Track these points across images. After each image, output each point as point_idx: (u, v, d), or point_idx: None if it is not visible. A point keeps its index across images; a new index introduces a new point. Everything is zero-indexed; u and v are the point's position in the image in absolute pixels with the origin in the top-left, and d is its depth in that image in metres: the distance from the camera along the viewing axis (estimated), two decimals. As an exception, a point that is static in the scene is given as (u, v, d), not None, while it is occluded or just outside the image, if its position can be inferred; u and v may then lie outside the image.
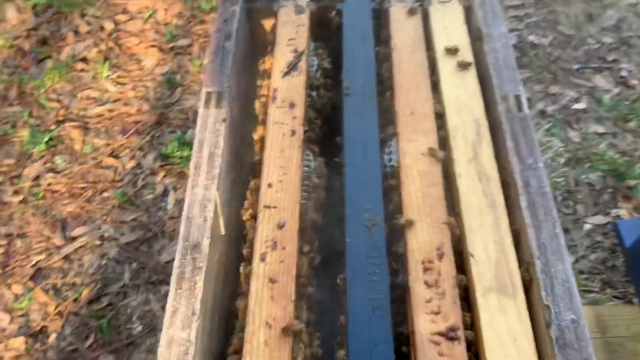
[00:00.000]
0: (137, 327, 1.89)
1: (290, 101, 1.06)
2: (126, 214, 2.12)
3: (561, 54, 2.51)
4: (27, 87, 2.46)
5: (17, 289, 1.96)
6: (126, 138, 2.31)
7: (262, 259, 0.88)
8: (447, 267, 0.87)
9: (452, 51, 1.12)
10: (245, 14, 1.21)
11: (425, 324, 0.81)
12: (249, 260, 0.90)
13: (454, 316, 0.82)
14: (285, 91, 1.08)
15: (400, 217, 0.92)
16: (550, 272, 0.84)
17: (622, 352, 1.57)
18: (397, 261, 0.90)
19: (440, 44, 1.14)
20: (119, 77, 2.50)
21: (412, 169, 0.98)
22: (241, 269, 0.90)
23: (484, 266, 0.86)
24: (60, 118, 2.37)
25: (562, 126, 2.27)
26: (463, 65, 1.10)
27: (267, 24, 1.23)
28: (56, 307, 1.92)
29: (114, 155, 2.27)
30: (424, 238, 0.90)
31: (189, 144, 2.23)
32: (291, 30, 1.17)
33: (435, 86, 1.10)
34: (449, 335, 0.80)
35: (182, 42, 2.61)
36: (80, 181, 2.20)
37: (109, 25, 2.66)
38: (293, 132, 1.02)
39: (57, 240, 2.07)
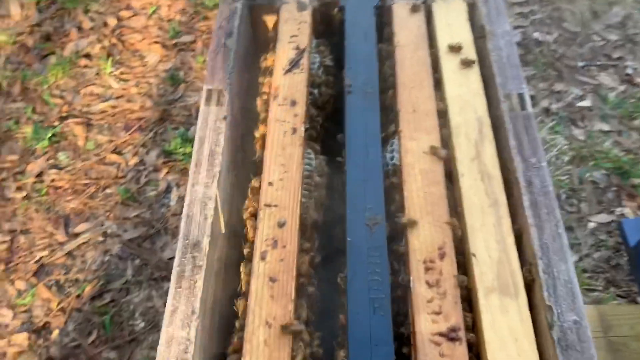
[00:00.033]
0: (140, 324, 1.89)
1: (292, 99, 1.06)
2: (129, 210, 2.12)
3: (566, 51, 2.49)
4: (31, 83, 2.47)
5: (20, 285, 1.96)
6: (129, 134, 2.31)
7: (263, 258, 0.87)
8: (448, 267, 0.86)
9: (455, 49, 1.11)
10: (247, 10, 1.21)
11: (426, 324, 0.81)
12: (249, 259, 0.89)
13: (455, 316, 0.81)
14: (287, 89, 1.07)
15: (401, 216, 0.92)
16: (552, 273, 0.83)
17: (626, 351, 1.56)
18: (398, 260, 0.90)
19: (443, 41, 1.13)
20: (122, 73, 2.50)
21: (414, 168, 0.97)
22: (241, 268, 0.90)
23: (485, 266, 0.86)
24: (64, 114, 2.37)
25: (567, 124, 2.26)
26: (466, 63, 1.09)
27: (269, 20, 1.23)
28: (59, 304, 1.92)
29: (117, 151, 2.27)
30: (426, 237, 0.89)
31: (192, 141, 2.22)
32: (293, 27, 1.17)
33: (438, 84, 1.09)
34: (450, 335, 0.80)
35: (186, 38, 2.61)
36: (83, 177, 2.21)
37: (112, 22, 2.66)
38: (294, 130, 1.02)
39: (60, 236, 2.07)
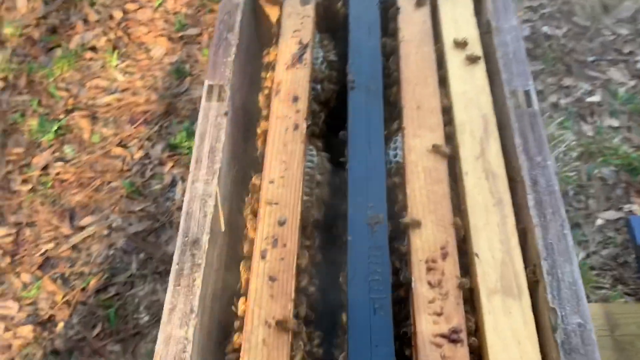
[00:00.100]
0: (144, 317, 1.89)
1: (294, 94, 1.04)
2: (134, 204, 2.12)
3: (576, 45, 2.45)
4: (37, 75, 2.46)
5: (26, 277, 1.97)
6: (134, 128, 2.31)
7: (262, 257, 0.86)
8: (451, 267, 0.85)
9: (460, 44, 1.09)
10: (249, 4, 1.19)
11: (427, 325, 0.80)
12: (249, 258, 0.88)
13: (456, 318, 0.80)
14: (289, 84, 1.06)
15: (404, 215, 0.90)
16: (557, 274, 0.82)
17: (632, 350, 1.54)
18: (399, 260, 0.89)
19: (448, 36, 1.11)
20: (127, 66, 2.49)
21: (418, 166, 0.96)
22: (241, 266, 0.89)
23: (488, 266, 0.84)
24: (69, 107, 2.37)
25: (575, 119, 2.23)
26: (472, 59, 1.07)
27: (272, 15, 1.21)
28: (64, 296, 1.92)
29: (122, 145, 2.27)
30: (428, 237, 0.88)
31: (196, 135, 2.22)
32: (296, 22, 1.15)
33: (442, 80, 1.07)
34: (451, 337, 0.78)
35: (192, 31, 2.60)
36: (88, 170, 2.21)
37: (118, 14, 2.65)
38: (296, 126, 1.00)
39: (66, 229, 2.07)
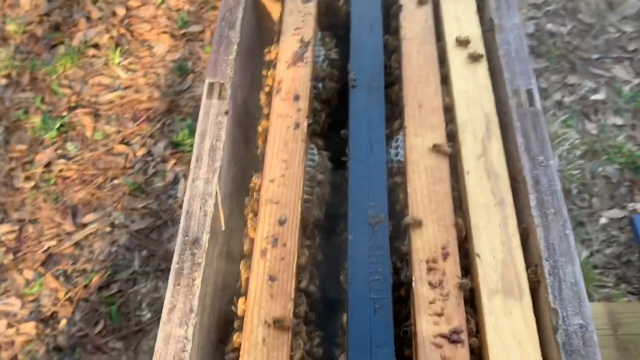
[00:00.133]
0: (147, 314, 1.90)
1: (295, 93, 1.04)
2: (136, 201, 2.12)
3: (580, 43, 2.44)
4: (40, 73, 2.46)
5: (29, 274, 1.98)
6: (137, 125, 2.31)
7: (263, 256, 0.86)
8: (451, 268, 0.84)
9: (463, 42, 1.08)
10: (251, 2, 1.19)
11: (427, 326, 0.79)
12: (249, 257, 0.88)
13: (457, 318, 0.80)
14: (290, 82, 1.06)
15: (405, 214, 0.90)
16: (558, 275, 0.81)
17: (635, 350, 1.53)
18: (400, 260, 0.88)
19: (451, 35, 1.11)
20: (130, 63, 2.49)
21: (419, 165, 0.95)
22: (241, 266, 0.89)
23: (489, 267, 0.84)
24: (72, 104, 2.37)
25: (580, 117, 2.22)
26: (474, 58, 1.06)
27: (274, 12, 1.21)
28: (66, 293, 1.93)
29: (124, 142, 2.27)
30: (429, 237, 0.87)
31: (199, 133, 2.22)
32: (298, 19, 1.15)
33: (444, 79, 1.06)
34: (452, 338, 0.78)
35: (194, 28, 2.59)
36: (91, 168, 2.21)
37: (120, 11, 2.65)
38: (297, 125, 1.00)
39: (68, 226, 2.07)
